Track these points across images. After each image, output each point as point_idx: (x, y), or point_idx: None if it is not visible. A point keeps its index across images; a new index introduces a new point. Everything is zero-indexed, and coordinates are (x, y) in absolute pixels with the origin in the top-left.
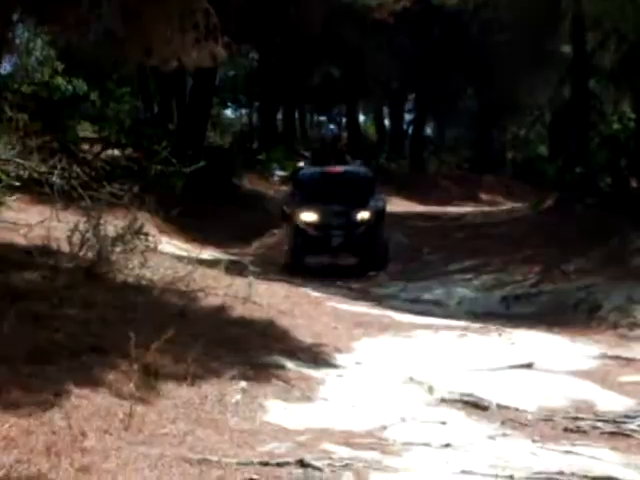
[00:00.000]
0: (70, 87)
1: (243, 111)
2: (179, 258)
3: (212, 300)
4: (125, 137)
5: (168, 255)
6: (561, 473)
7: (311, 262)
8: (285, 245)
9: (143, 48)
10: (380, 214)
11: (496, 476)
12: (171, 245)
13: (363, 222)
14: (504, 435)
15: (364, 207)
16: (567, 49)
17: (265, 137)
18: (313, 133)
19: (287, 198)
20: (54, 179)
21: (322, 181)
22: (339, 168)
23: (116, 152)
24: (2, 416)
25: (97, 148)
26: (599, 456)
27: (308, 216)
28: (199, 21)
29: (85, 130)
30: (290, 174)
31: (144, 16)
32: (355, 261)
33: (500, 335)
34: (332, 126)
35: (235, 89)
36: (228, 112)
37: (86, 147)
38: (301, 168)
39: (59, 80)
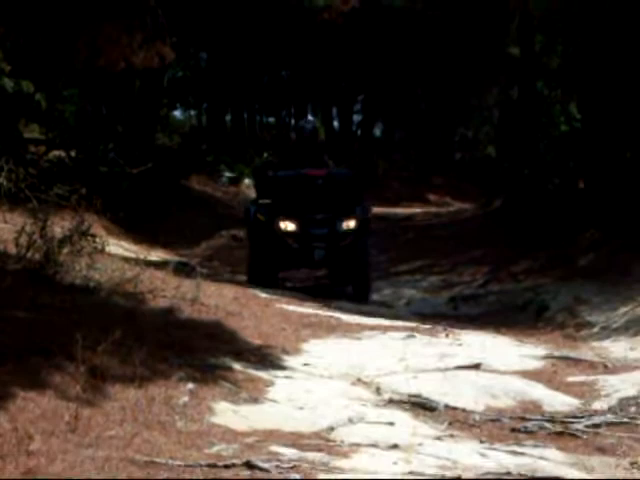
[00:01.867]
0: (16, 88)
1: (192, 112)
2: (127, 260)
3: (160, 302)
4: (70, 138)
5: (116, 257)
6: (509, 473)
7: (285, 277)
8: (249, 255)
9: (90, 49)
10: (366, 224)
11: (443, 477)
12: (119, 247)
13: (348, 232)
14: (452, 436)
15: (349, 216)
16: (515, 50)
17: (214, 138)
18: (293, 130)
19: (254, 201)
20: (0, 181)
21: (302, 185)
22: (321, 170)
23: (63, 154)
24: None
25: (43, 149)
26: (546, 456)
27: (287, 225)
28: (147, 21)
29: (33, 132)
30: (254, 172)
31: (91, 16)
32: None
33: (448, 336)
34: (311, 118)
35: (184, 90)
36: (177, 113)
37: (33, 149)
38: (266, 166)
39: (5, 81)
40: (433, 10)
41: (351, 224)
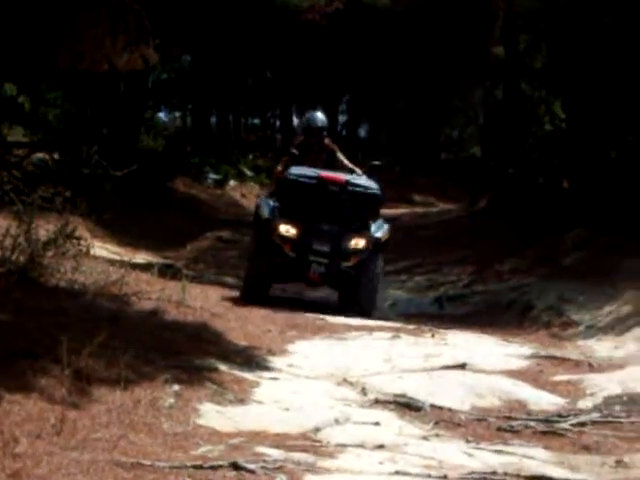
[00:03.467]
0: (6, 90)
1: (177, 114)
2: (112, 262)
3: (145, 304)
4: (54, 141)
5: (101, 259)
6: (494, 473)
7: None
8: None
9: (74, 51)
10: (378, 247)
11: (429, 476)
12: (104, 249)
13: (355, 252)
14: (437, 435)
15: (361, 233)
16: (499, 50)
17: (199, 140)
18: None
19: (264, 199)
20: None
21: (314, 188)
22: (341, 176)
23: (41, 155)
24: None
25: (26, 152)
26: (532, 455)
27: (288, 229)
28: (130, 24)
29: (17, 134)
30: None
31: (75, 18)
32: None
33: (433, 336)
34: (320, 114)
35: (168, 92)
36: (162, 115)
37: (17, 152)
38: (290, 160)
39: None
40: (416, 10)
41: (360, 243)
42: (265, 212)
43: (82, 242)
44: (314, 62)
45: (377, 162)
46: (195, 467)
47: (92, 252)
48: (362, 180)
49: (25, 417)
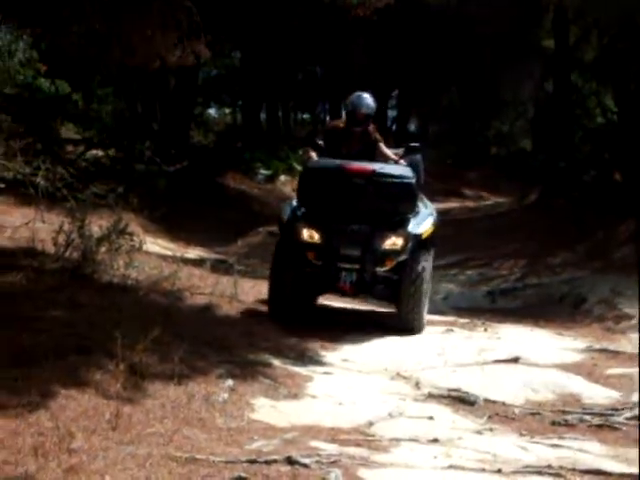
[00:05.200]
0: (53, 88)
1: (227, 110)
2: (164, 258)
3: (198, 299)
4: (108, 137)
5: (153, 255)
6: (549, 467)
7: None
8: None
9: (125, 48)
10: (423, 244)
11: (484, 470)
12: (156, 245)
13: (392, 254)
14: (491, 430)
15: (397, 230)
16: (550, 43)
17: (249, 136)
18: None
19: (289, 202)
20: (38, 180)
21: (338, 183)
22: (368, 166)
23: (100, 153)
24: None
25: (81, 149)
26: (587, 449)
27: (312, 234)
28: (182, 20)
29: (69, 131)
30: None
31: (126, 16)
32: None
33: (486, 330)
34: (368, 97)
35: (218, 88)
36: (212, 111)
37: (70, 148)
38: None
39: (42, 82)
40: (467, 4)
41: (398, 242)
42: (285, 216)
43: (135, 238)
44: (364, 57)
45: (415, 144)
46: (250, 462)
47: (144, 248)
48: (392, 168)
49: (80, 412)
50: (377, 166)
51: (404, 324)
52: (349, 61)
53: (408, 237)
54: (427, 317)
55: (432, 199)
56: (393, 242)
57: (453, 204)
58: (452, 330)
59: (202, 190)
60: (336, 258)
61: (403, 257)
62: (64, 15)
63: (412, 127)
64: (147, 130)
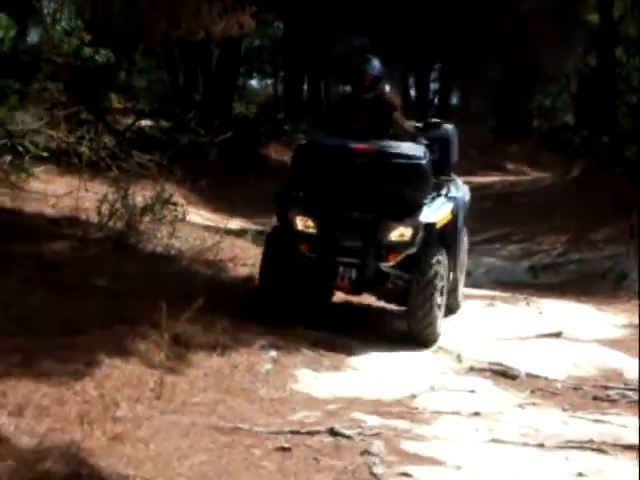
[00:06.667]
0: (99, 58)
1: (268, 81)
2: (207, 228)
3: (240, 270)
4: (158, 108)
5: (196, 225)
6: (591, 441)
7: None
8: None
9: (169, 19)
10: (439, 236)
11: (526, 444)
12: (198, 215)
13: (399, 246)
14: (533, 404)
15: (405, 219)
16: (594, 17)
17: (291, 107)
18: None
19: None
20: (82, 149)
21: (337, 164)
22: (371, 144)
23: (143, 123)
24: (34, 385)
25: (128, 119)
26: (629, 424)
27: (306, 222)
28: None
29: (112, 100)
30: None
31: None
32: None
33: (528, 304)
34: (375, 61)
35: (261, 59)
36: (254, 82)
37: (116, 118)
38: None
39: (86, 51)
40: None
41: (406, 233)
42: (279, 201)
43: (178, 208)
44: (406, 29)
45: (435, 119)
46: (292, 432)
47: (187, 218)
48: (400, 147)
49: (124, 381)
50: (382, 144)
51: (413, 333)
52: (392, 33)
53: (418, 227)
54: (469, 291)
55: (473, 173)
56: (400, 233)
57: (494, 178)
58: (494, 304)
59: (244, 161)
60: (333, 251)
61: (412, 251)
62: None
63: (454, 100)
64: (190, 101)
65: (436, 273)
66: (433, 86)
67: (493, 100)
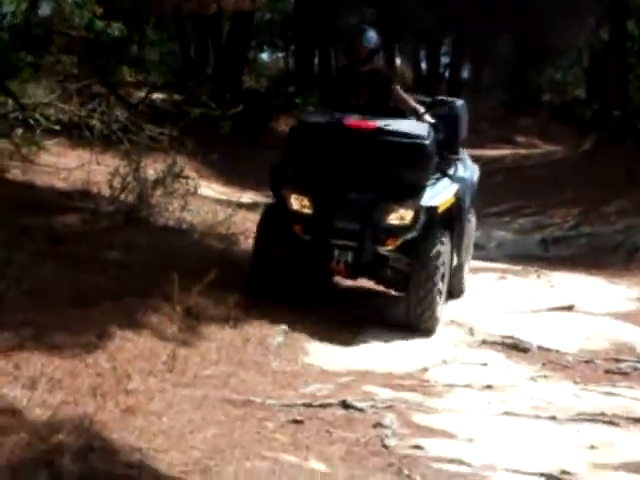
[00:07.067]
0: (111, 31)
1: (279, 55)
2: (218, 201)
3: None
4: (172, 80)
5: (208, 199)
6: (603, 414)
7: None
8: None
9: None
10: (442, 220)
11: (538, 417)
12: (209, 189)
13: (397, 230)
14: (545, 377)
15: (405, 201)
16: None
17: (301, 81)
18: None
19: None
20: (94, 122)
21: (335, 141)
22: (370, 121)
23: (154, 95)
24: (47, 358)
25: (139, 92)
26: None
27: (301, 201)
28: None
29: (124, 74)
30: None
31: None
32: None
33: (539, 277)
34: (372, 33)
35: (271, 32)
36: (264, 56)
37: (129, 91)
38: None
39: (98, 24)
40: None
41: (406, 216)
42: (274, 178)
43: (190, 181)
44: (417, 2)
45: (442, 97)
46: (305, 405)
47: (199, 192)
48: (402, 124)
49: (137, 354)
50: (382, 122)
51: (411, 321)
52: (402, 6)
53: (419, 210)
54: (480, 264)
55: (484, 146)
56: (400, 215)
57: (505, 151)
58: (505, 277)
59: (255, 134)
60: (328, 233)
61: (412, 235)
62: None
63: (465, 74)
64: (203, 74)
65: (438, 260)
66: (444, 60)
67: (504, 73)
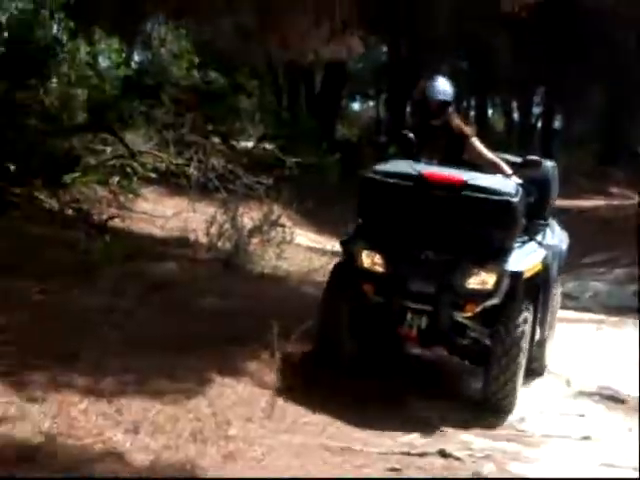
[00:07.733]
0: (215, 82)
1: (370, 103)
2: (312, 249)
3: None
4: (278, 131)
5: (302, 246)
6: None
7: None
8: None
9: (277, 42)
10: (528, 287)
11: (637, 469)
12: (303, 237)
13: (478, 295)
14: None
15: (488, 264)
16: None
17: (393, 130)
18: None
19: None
20: (191, 171)
21: (412, 195)
22: (456, 174)
23: (249, 144)
24: (149, 403)
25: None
26: None
27: (374, 259)
28: (335, 13)
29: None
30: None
31: (279, 9)
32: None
33: (637, 328)
34: (442, 81)
35: (363, 81)
36: (355, 105)
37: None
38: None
39: (195, 74)
40: (620, 3)
41: (489, 280)
42: (344, 234)
43: (286, 230)
44: (510, 53)
45: (534, 157)
46: (403, 453)
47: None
48: (489, 180)
49: (236, 400)
50: (468, 175)
51: (488, 399)
52: (495, 57)
53: (503, 275)
54: (576, 315)
55: (577, 197)
56: (481, 279)
57: (599, 202)
58: (602, 328)
59: (347, 184)
60: (402, 294)
61: (493, 302)
62: (217, 6)
63: (557, 124)
64: (315, 127)
65: (523, 332)
66: (536, 110)
67: (597, 124)
